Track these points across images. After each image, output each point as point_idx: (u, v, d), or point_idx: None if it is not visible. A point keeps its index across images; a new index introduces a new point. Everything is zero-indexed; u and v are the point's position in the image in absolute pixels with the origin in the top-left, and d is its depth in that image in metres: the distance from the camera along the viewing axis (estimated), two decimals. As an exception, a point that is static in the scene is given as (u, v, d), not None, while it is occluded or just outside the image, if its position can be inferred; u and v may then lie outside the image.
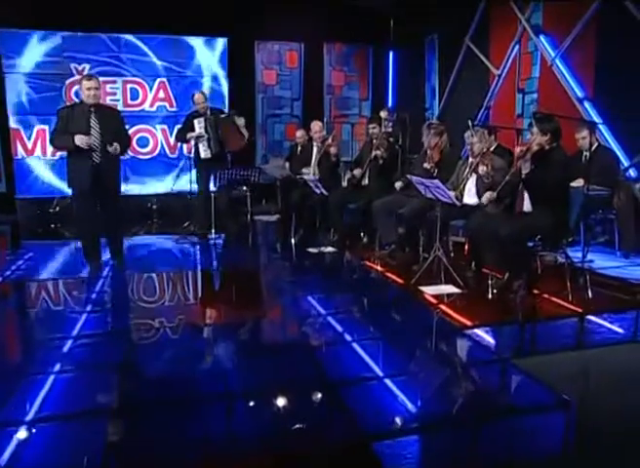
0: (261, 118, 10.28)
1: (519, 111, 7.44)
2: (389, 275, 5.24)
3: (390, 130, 7.91)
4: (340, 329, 3.97)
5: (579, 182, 4.96)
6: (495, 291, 4.57)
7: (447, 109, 9.03)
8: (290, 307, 4.61)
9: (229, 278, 5.74)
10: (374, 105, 10.41)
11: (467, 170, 5.12)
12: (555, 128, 4.29)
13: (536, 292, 4.54)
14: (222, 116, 7.11)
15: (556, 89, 6.79)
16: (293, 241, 6.96)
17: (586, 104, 6.50)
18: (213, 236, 7.12)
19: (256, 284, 5.49)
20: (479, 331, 3.84)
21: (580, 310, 4.18)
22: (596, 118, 6.35)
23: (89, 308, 4.53)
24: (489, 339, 3.82)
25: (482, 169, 4.74)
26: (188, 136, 7.07)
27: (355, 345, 3.64)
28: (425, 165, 5.48)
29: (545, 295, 4.49)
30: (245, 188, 7.83)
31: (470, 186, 5.10)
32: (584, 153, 5.46)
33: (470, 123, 5.09)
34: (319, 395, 3.05)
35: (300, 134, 7.92)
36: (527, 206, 4.39)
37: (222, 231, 7.24)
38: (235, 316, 4.39)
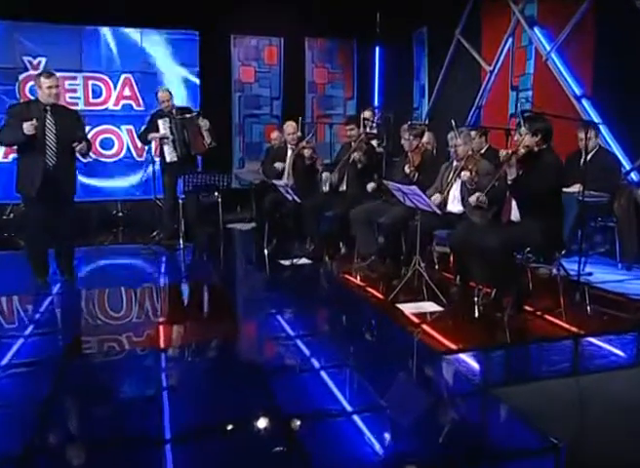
0: (239, 118, 10.09)
1: (512, 110, 7.29)
2: (369, 289, 5.09)
3: (375, 131, 7.76)
4: (307, 352, 3.79)
5: (575, 188, 4.87)
6: (481, 308, 4.39)
7: (436, 109, 8.90)
8: (254, 328, 4.43)
9: (191, 294, 5.55)
10: (359, 105, 10.24)
11: (452, 174, 4.95)
12: (546, 128, 4.13)
13: (527, 309, 4.39)
14: (188, 116, 6.93)
15: (552, 86, 6.67)
16: (266, 252, 6.75)
17: (584, 103, 6.38)
18: (181, 246, 6.95)
19: (220, 301, 5.27)
20: (462, 356, 3.64)
21: (575, 330, 4.02)
22: (595, 118, 6.21)
23: (28, 331, 4.24)
24: (473, 365, 3.60)
25: (465, 174, 4.58)
26: (150, 136, 6.89)
27: (322, 373, 3.46)
28: (405, 169, 5.34)
29: (538, 313, 4.34)
30: (217, 194, 7.55)
31: (455, 193, 4.97)
32: (583, 155, 5.27)
33: (453, 123, 4.93)
34: (271, 432, 2.79)
35: (275, 135, 7.77)
36: (515, 215, 4.23)
37: (192, 241, 7.08)
38: (191, 339, 4.20)
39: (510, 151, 3.98)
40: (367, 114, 7.90)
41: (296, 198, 5.93)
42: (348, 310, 4.83)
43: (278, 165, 6.79)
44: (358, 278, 5.44)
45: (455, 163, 4.97)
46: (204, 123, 6.85)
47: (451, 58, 8.52)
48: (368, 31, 10.19)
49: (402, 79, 9.71)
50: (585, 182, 4.81)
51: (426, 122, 8.64)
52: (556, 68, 6.68)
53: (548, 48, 6.77)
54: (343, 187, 6.34)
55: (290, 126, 6.95)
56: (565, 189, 4.77)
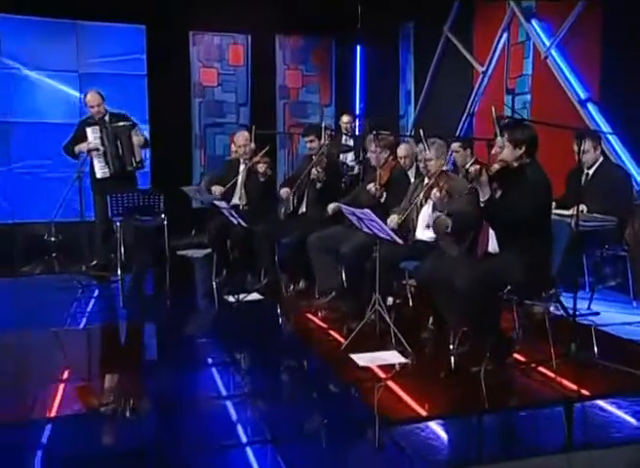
0: (199, 128, 9.80)
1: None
2: (331, 333, 4.82)
3: (351, 142, 7.52)
4: (234, 418, 3.43)
5: (572, 211, 4.54)
6: (456, 359, 4.10)
7: (423, 116, 8.72)
8: (179, 387, 3.96)
9: (109, 339, 5.15)
10: (338, 112, 9.90)
11: (422, 194, 4.66)
12: (530, 138, 3.82)
13: (515, 358, 4.10)
14: (122, 124, 6.62)
15: (553, 88, 6.49)
16: (214, 285, 6.37)
17: (590, 108, 6.16)
18: (116, 278, 6.52)
19: (143, 351, 4.93)
20: (423, 426, 3.27)
21: (571, 389, 3.68)
22: (603, 125, 6.00)
23: None
24: (436, 438, 3.21)
25: (434, 193, 4.28)
26: (77, 148, 6.52)
27: (248, 449, 3.10)
28: (369, 187, 5.08)
29: (525, 366, 4.03)
30: (163, 216, 7.13)
31: (425, 216, 4.65)
32: (585, 171, 5.22)
33: (422, 133, 4.68)
34: None
35: (234, 147, 7.28)
36: (493, 246, 3.90)
37: (131, 271, 6.78)
38: (101, 399, 3.77)
39: (479, 167, 3.66)
40: (345, 119, 7.83)
41: (241, 222, 5.59)
42: (293, 362, 4.50)
43: (215, 189, 6.39)
44: (318, 318, 5.19)
45: (425, 180, 4.69)
46: (137, 139, 6.60)
47: (439, 59, 8.37)
48: (348, 27, 9.98)
49: (386, 83, 9.54)
50: (586, 204, 4.70)
51: (412, 131, 8.48)
52: (557, 68, 6.47)
53: (548, 43, 6.58)
54: (303, 209, 6.10)
55: (241, 136, 6.56)
56: (559, 211, 4.65)
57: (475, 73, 7.72)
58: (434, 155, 4.57)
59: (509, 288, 3.84)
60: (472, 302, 3.74)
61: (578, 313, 4.52)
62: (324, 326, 5.00)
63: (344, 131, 7.69)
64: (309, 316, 5.25)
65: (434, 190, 4.30)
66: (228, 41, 9.80)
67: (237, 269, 6.40)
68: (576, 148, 4.88)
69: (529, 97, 6.85)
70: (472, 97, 7.74)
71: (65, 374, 4.13)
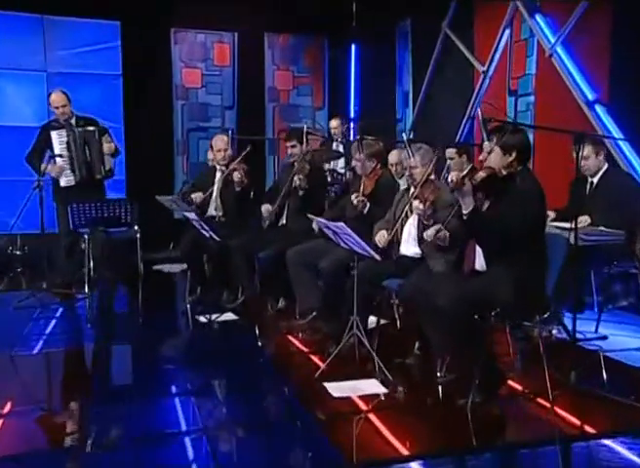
0: (181, 132, 9.77)
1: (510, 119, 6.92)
2: (309, 358, 4.73)
3: (341, 148, 7.39)
4: (189, 453, 3.32)
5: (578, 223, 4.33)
6: (441, 390, 3.97)
7: (422, 120, 8.66)
8: (140, 419, 3.80)
9: (65, 365, 4.98)
10: (331, 115, 9.74)
11: (407, 205, 4.52)
12: (522, 143, 3.72)
13: (510, 386, 3.95)
14: (91, 128, 6.49)
15: (558, 89, 6.39)
16: (187, 305, 6.25)
17: (598, 109, 6.08)
18: (86, 294, 6.35)
19: (101, 379, 4.67)
20: (404, 467, 3.13)
21: (575, 424, 3.49)
22: (612, 128, 5.93)
23: None
24: None
25: (416, 205, 4.15)
26: (44, 168, 6.32)
27: None
28: (352, 198, 4.98)
29: (520, 398, 3.90)
30: (136, 228, 7.11)
31: (410, 229, 4.51)
32: (590, 180, 5.10)
33: (404, 137, 4.71)
34: None
35: (211, 154, 7.22)
36: (480, 263, 3.77)
37: (100, 288, 6.68)
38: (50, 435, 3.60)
39: (463, 174, 3.52)
40: (333, 124, 7.72)
41: (213, 235, 5.49)
42: (260, 393, 4.30)
43: (196, 196, 6.31)
44: (298, 341, 5.10)
45: (411, 190, 4.53)
46: (108, 146, 6.47)
47: (438, 58, 8.31)
48: (342, 25, 9.96)
49: (383, 84, 9.50)
50: (591, 216, 4.65)
51: (410, 136, 8.32)
52: (563, 66, 6.37)
53: (553, 40, 6.48)
54: (283, 221, 5.98)
55: (219, 140, 6.46)
56: (558, 224, 4.55)
57: (476, 73, 7.67)
58: (419, 162, 4.46)
59: (498, 309, 3.72)
60: (456, 324, 3.61)
61: (583, 337, 4.43)
62: (304, 349, 4.90)
63: (334, 136, 7.52)
64: (288, 338, 5.16)
65: (416, 202, 4.20)
66: (213, 39, 9.77)
67: (213, 286, 6.31)
68: (588, 153, 4.96)
69: (532, 98, 6.76)
70: (473, 100, 7.64)
71: (7, 408, 3.89)
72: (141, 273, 7.23)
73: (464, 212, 3.55)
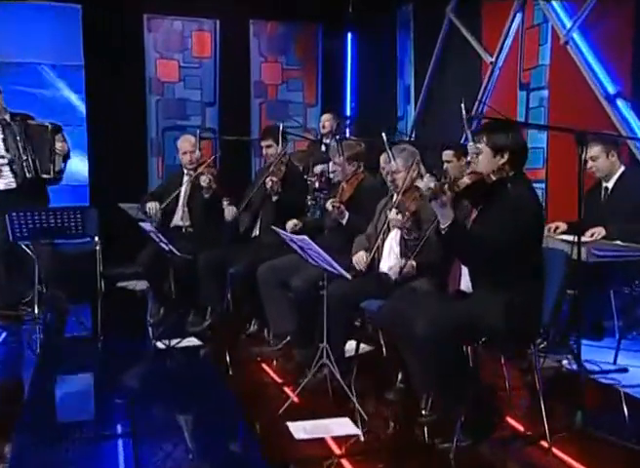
0: (156, 132, 9.68)
1: (522, 116, 6.96)
2: (281, 390, 4.63)
3: (324, 148, 7.30)
4: None
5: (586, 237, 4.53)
6: (422, 432, 3.86)
7: (424, 118, 8.66)
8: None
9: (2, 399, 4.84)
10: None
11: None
12: (514, 144, 3.62)
13: (507, 425, 3.86)
14: (34, 123, 6.42)
15: (575, 81, 6.35)
16: (150, 329, 6.25)
17: (620, 104, 6.05)
18: (34, 316, 6.30)
19: (42, 416, 4.50)
20: None
21: None
22: (636, 125, 5.89)
23: None
24: None
25: (392, 216, 4.19)
26: None
27: None
28: (327, 205, 5.04)
29: (511, 443, 3.73)
30: (97, 239, 6.81)
31: (392, 243, 4.50)
32: (604, 185, 5.07)
33: (384, 137, 4.54)
34: None
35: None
36: (466, 283, 3.71)
37: (49, 310, 6.53)
38: None
39: (446, 179, 3.45)
40: (325, 119, 7.59)
41: (173, 249, 5.43)
42: (215, 434, 4.14)
43: (151, 206, 6.29)
44: (271, 370, 5.04)
45: (395, 198, 4.52)
46: (61, 145, 6.39)
47: (441, 48, 8.31)
48: (337, 10, 9.94)
49: (382, 77, 9.53)
50: (605, 227, 4.60)
51: (412, 136, 8.38)
52: (579, 55, 6.34)
53: (569, 25, 6.43)
54: (256, 232, 6.00)
55: (185, 141, 6.48)
56: (563, 237, 4.50)
57: (484, 65, 7.67)
58: (402, 166, 4.44)
59: (485, 338, 3.63)
60: (437, 355, 3.48)
61: (599, 368, 4.48)
62: (275, 381, 4.82)
63: (324, 134, 7.43)
64: (259, 367, 5.11)
65: (392, 213, 4.19)
66: (192, 27, 9.73)
67: (178, 307, 6.24)
68: (596, 153, 4.98)
69: (546, 92, 6.71)
70: (481, 95, 7.62)
71: None
72: (101, 291, 6.91)
73: (442, 226, 3.47)
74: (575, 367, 4.33)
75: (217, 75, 9.81)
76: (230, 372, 5.09)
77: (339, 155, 5.17)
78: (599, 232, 4.53)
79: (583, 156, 3.89)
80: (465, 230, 3.58)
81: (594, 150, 4.91)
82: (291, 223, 5.57)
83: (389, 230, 4.50)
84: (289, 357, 5.15)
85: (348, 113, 10.11)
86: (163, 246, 5.53)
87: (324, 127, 7.52)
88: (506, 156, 3.58)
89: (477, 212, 3.65)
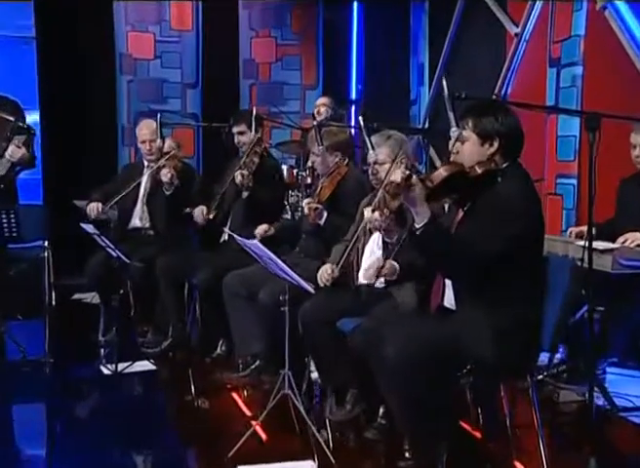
0: (127, 117, 9.60)
1: (551, 98, 6.80)
2: (247, 424, 4.45)
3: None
4: None
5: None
6: None
7: (440, 102, 8.31)
8: None
9: None
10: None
11: None
12: (511, 129, 3.55)
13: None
14: None
15: (613, 55, 6.26)
16: (101, 349, 6.22)
17: None
18: None
19: None
20: None
21: None
22: None
23: None
24: None
25: (368, 216, 4.10)
26: None
27: None
28: (304, 204, 5.05)
29: None
30: (46, 244, 6.87)
31: (373, 249, 4.48)
32: None
33: (361, 121, 4.65)
34: None
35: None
36: (449, 298, 3.63)
37: None
38: None
39: (404, 174, 3.27)
40: (321, 103, 7.62)
41: (121, 256, 5.38)
42: None
43: (92, 207, 6.23)
44: (239, 400, 5.02)
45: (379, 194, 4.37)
46: (12, 150, 6.27)
47: (460, 18, 8.32)
48: None
49: (393, 54, 9.61)
50: None
51: (426, 124, 8.58)
52: (621, 24, 6.17)
53: None
54: (225, 235, 5.95)
55: (145, 126, 6.42)
56: (579, 243, 4.30)
57: (508, 37, 7.63)
58: (387, 156, 4.36)
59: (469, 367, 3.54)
60: (408, 385, 3.35)
61: (632, 404, 4.45)
62: (240, 413, 4.77)
63: (317, 119, 7.33)
64: (222, 398, 5.07)
65: (367, 211, 4.11)
66: None
67: (134, 323, 6.29)
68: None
69: (580, 69, 6.53)
70: (505, 73, 7.58)
71: None
72: (51, 304, 6.97)
73: (416, 225, 3.34)
74: (602, 401, 4.30)
75: (199, 52, 9.77)
76: (183, 407, 5.06)
77: (317, 144, 5.13)
78: (635, 239, 4.33)
79: (596, 140, 3.74)
80: (445, 232, 3.49)
81: (633, 136, 4.79)
82: (261, 229, 5.58)
83: (370, 233, 4.43)
84: (256, 385, 5.11)
85: (354, 97, 10.14)
86: (109, 251, 5.46)
87: (319, 112, 7.50)
88: (496, 144, 3.50)
89: (463, 212, 3.55)
